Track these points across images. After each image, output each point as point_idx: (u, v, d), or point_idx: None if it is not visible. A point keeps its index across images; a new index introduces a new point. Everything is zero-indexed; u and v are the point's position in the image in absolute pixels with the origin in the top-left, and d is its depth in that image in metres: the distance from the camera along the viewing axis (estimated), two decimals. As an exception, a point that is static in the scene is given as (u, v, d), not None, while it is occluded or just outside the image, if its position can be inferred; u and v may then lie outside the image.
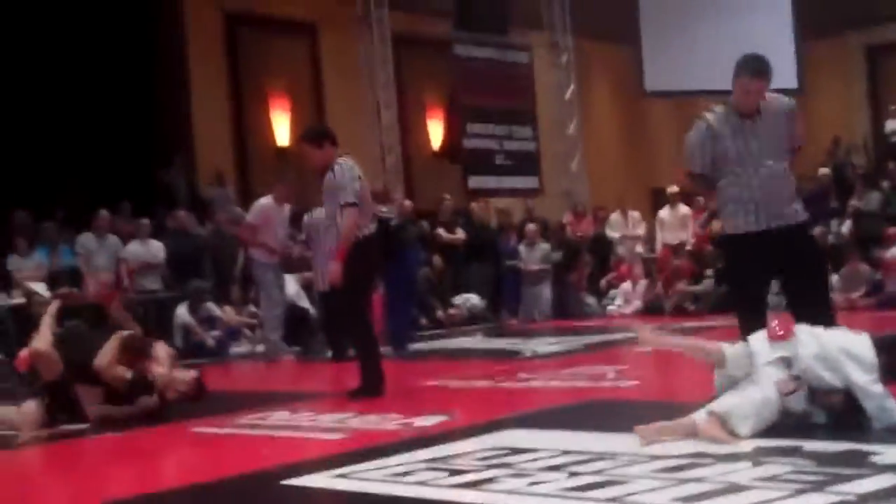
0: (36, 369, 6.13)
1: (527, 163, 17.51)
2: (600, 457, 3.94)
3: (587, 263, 14.53)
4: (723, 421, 4.03)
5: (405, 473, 3.96)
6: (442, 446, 4.45)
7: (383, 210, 8.75)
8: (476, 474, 3.84)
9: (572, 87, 18.21)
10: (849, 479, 3.30)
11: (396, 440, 4.77)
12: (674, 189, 14.75)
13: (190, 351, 10.43)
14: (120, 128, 13.69)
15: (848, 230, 13.90)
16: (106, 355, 6.04)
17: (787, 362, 4.18)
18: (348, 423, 5.52)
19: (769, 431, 4.05)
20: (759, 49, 5.25)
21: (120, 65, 13.82)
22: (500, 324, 13.25)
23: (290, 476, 4.10)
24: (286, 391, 7.64)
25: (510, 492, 3.54)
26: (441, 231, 13.72)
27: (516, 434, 4.71)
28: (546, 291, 13.92)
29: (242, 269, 11.84)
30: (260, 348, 11.00)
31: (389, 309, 10.15)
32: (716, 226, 12.15)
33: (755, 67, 4.99)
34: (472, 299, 13.43)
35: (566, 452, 4.07)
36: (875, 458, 3.57)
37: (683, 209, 14.70)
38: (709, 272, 13.04)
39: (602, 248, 15.20)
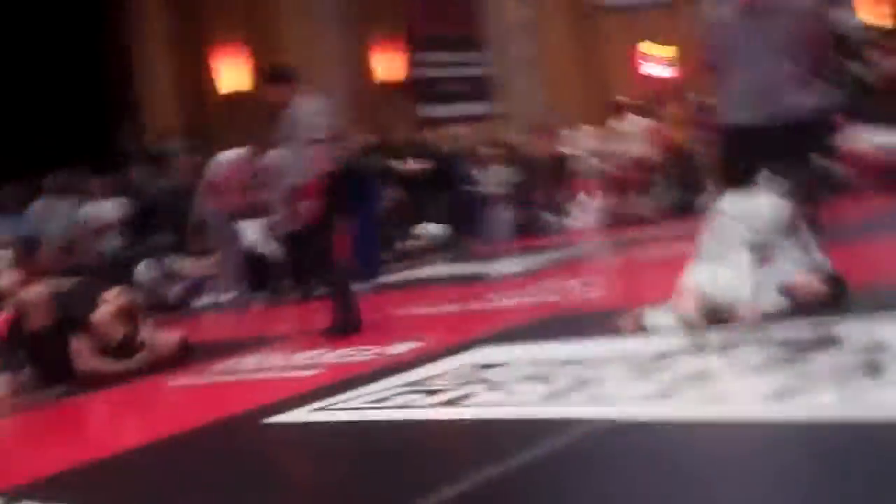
0: (16, 335, 6.14)
1: (477, 88, 17.43)
2: (571, 362, 4.01)
3: (545, 182, 14.59)
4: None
5: (383, 399, 4.02)
6: (417, 370, 4.51)
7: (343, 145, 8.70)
8: (454, 392, 3.90)
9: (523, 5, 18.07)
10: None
11: (371, 370, 4.82)
12: (624, 99, 14.75)
13: (155, 307, 10.38)
14: (68, 88, 13.55)
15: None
16: (105, 313, 6.08)
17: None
18: (322, 359, 5.56)
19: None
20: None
21: (65, 27, 13.64)
22: (464, 249, 13.30)
23: (270, 415, 4.14)
24: (257, 336, 7.65)
25: (489, 405, 3.61)
26: (397, 163, 13.67)
27: (488, 351, 4.78)
28: (506, 214, 14.00)
29: (197, 221, 11.75)
30: (224, 298, 10.98)
31: (354, 244, 10.14)
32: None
33: None
34: (433, 228, 13.46)
35: (537, 363, 4.14)
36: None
37: (641, 123, 14.68)
38: (658, 179, 13.16)
39: (558, 166, 15.23)
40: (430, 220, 13.58)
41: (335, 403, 4.12)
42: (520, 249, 11.89)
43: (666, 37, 18.78)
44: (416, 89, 16.60)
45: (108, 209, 11.64)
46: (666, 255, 7.73)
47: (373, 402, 4.01)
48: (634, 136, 14.67)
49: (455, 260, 12.11)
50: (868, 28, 14.64)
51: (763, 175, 4.55)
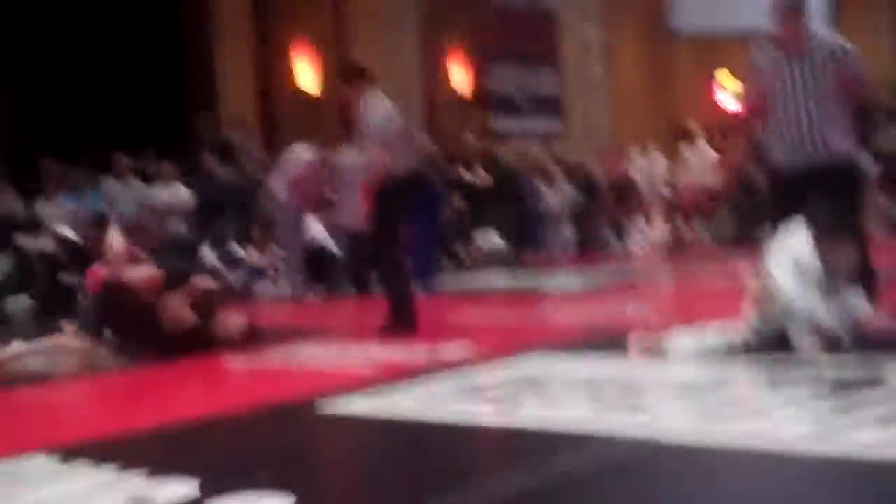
0: (107, 295, 6.34)
1: (549, 105, 17.51)
2: (619, 381, 4.07)
3: (609, 202, 14.62)
4: None
5: (433, 399, 4.09)
6: (468, 374, 4.59)
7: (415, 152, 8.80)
8: (502, 399, 3.97)
9: (597, 28, 18.11)
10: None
11: (423, 370, 4.90)
12: (695, 125, 14.71)
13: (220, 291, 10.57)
14: (146, 73, 13.89)
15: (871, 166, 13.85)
16: (177, 298, 6.30)
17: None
18: (377, 355, 5.66)
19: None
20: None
21: (146, 9, 13.99)
22: (522, 262, 13.36)
23: (325, 404, 4.23)
24: (315, 327, 7.75)
25: (535, 415, 3.67)
26: (464, 172, 13.79)
27: (539, 362, 4.85)
28: (567, 230, 14.04)
29: (264, 212, 11.96)
30: (283, 288, 11.16)
31: (414, 248, 10.25)
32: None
33: (789, 3, 5.07)
34: (493, 237, 13.54)
35: (586, 378, 4.21)
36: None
37: (710, 152, 14.62)
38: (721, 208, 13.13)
39: (624, 187, 15.25)
40: (491, 230, 13.66)
41: (387, 399, 4.21)
42: (578, 266, 11.92)
43: (739, 69, 18.67)
44: (488, 102, 16.70)
45: (177, 193, 11.90)
46: (721, 283, 7.74)
47: (423, 401, 4.10)
48: (702, 163, 14.63)
49: (513, 271, 12.17)
50: None
51: (804, 216, 4.56)
